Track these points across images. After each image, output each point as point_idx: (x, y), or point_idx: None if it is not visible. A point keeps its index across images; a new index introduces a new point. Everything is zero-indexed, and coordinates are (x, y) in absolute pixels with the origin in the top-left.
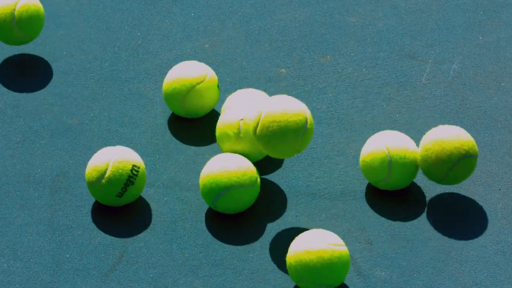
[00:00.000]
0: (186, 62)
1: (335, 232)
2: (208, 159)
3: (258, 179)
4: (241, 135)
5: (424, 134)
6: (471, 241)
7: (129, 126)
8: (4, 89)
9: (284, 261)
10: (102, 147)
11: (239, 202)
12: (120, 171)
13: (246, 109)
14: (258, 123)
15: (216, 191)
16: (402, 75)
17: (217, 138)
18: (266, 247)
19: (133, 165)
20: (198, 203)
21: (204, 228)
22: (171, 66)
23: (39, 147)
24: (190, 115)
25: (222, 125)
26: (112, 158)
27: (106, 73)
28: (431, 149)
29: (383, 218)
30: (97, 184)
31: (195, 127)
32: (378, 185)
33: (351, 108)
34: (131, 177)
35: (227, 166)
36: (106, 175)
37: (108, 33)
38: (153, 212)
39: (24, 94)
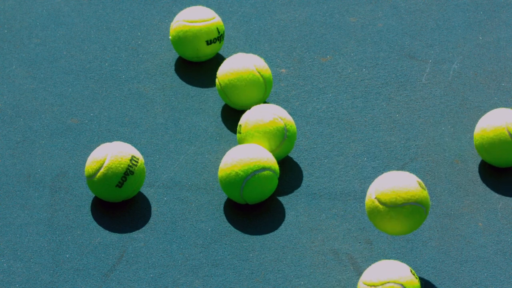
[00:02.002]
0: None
1: (335, 232)
2: (209, 159)
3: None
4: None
5: (424, 134)
6: (471, 241)
7: (129, 126)
8: (4, 89)
9: (284, 261)
10: None
11: (266, 185)
12: (119, 159)
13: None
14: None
15: (241, 180)
16: (402, 75)
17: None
18: (266, 247)
19: (132, 156)
20: (198, 203)
21: (204, 228)
22: (171, 66)
23: (39, 147)
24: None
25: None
26: (111, 150)
27: (106, 73)
28: None
29: None
30: (96, 175)
31: (195, 126)
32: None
33: (351, 108)
34: (130, 167)
35: (254, 153)
36: (106, 164)
37: (108, 33)
38: (153, 212)
39: (24, 94)
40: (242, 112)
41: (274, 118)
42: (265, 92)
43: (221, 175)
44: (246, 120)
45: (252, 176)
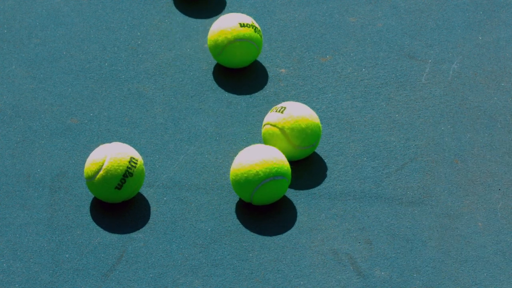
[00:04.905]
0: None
1: (335, 232)
2: (208, 159)
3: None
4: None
5: (423, 134)
6: (471, 241)
7: (129, 126)
8: (4, 89)
9: (283, 260)
10: None
11: (277, 192)
12: (118, 161)
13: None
14: None
15: (259, 180)
16: (401, 75)
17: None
18: (266, 247)
19: (131, 157)
20: (198, 203)
21: (204, 228)
22: (171, 66)
23: (39, 147)
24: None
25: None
26: (110, 152)
27: (106, 73)
28: None
29: (383, 218)
30: (95, 177)
31: (194, 126)
32: None
33: (350, 108)
34: (129, 168)
35: (277, 157)
36: (105, 166)
37: (108, 33)
38: (152, 212)
39: (24, 94)
40: (242, 112)
41: (319, 123)
42: None
43: (239, 170)
44: (293, 108)
45: (270, 180)
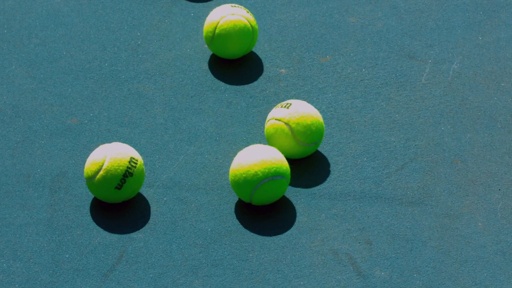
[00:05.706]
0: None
1: (335, 232)
2: (208, 159)
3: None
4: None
5: (423, 134)
6: (471, 241)
7: (129, 126)
8: (4, 89)
9: (283, 261)
10: None
11: (277, 192)
12: (118, 161)
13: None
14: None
15: (258, 180)
16: (401, 75)
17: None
18: (266, 247)
19: (131, 157)
20: (198, 203)
21: (204, 228)
22: (171, 66)
23: (39, 147)
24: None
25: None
26: (110, 152)
27: (106, 73)
28: None
29: (383, 218)
30: (95, 177)
31: (194, 126)
32: None
33: (350, 108)
34: (129, 168)
35: (276, 157)
36: (105, 166)
37: (108, 33)
38: (152, 212)
39: (24, 94)
40: (242, 112)
41: (322, 122)
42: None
43: (238, 171)
44: (298, 105)
45: (269, 180)
